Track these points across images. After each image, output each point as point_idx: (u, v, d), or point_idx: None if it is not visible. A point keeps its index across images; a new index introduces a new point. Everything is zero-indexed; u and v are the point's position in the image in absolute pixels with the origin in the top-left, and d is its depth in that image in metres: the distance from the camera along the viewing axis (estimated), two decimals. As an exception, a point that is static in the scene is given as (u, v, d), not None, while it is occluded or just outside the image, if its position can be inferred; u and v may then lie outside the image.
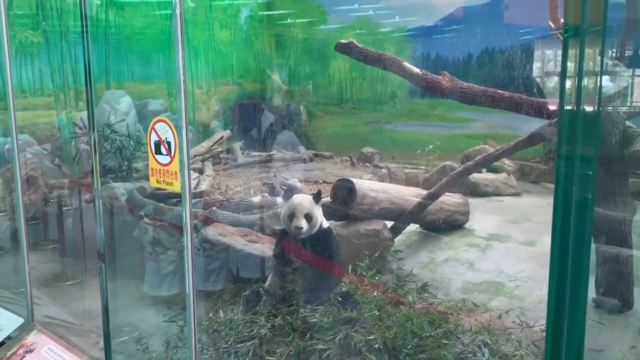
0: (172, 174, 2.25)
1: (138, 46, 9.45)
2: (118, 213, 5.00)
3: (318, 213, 3.94)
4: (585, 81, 1.59)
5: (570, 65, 1.61)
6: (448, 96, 4.43)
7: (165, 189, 5.99)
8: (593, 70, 1.59)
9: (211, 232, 4.59)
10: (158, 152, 2.29)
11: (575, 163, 1.63)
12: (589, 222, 1.66)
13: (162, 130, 2.23)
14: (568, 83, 1.63)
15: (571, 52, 1.61)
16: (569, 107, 1.63)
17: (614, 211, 3.65)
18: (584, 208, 1.66)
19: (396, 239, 5.08)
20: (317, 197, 4.00)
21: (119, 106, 7.27)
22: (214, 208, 5.03)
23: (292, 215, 3.89)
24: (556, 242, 1.70)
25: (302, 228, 3.80)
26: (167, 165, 2.26)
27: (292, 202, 3.97)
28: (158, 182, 2.31)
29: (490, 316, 3.83)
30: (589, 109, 1.62)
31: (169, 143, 2.23)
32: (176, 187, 2.23)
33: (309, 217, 3.87)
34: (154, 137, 2.27)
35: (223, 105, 10.81)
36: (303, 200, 3.96)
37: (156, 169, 2.30)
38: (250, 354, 3.39)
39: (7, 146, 6.03)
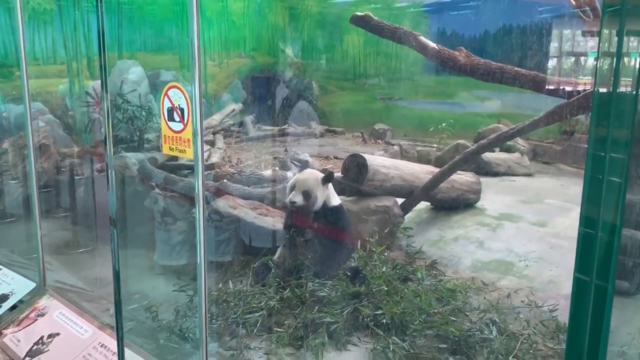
0: (184, 142, 2.24)
1: (151, 16, 9.38)
2: (129, 183, 5.02)
3: (321, 193, 3.94)
4: (621, 61, 1.53)
5: (605, 44, 1.55)
6: (464, 72, 4.36)
7: (176, 161, 6.01)
8: (628, 51, 1.53)
9: (221, 204, 4.60)
10: (171, 118, 2.28)
11: (607, 146, 1.58)
12: (620, 208, 1.62)
13: (175, 96, 2.21)
14: (602, 62, 1.57)
15: (608, 31, 1.55)
16: (602, 89, 1.57)
17: (628, 193, 3.61)
18: (615, 193, 1.61)
19: (406, 216, 5.08)
20: (327, 178, 4.01)
21: (130, 76, 7.25)
22: (225, 180, 5.03)
23: (292, 188, 3.93)
24: (583, 226, 1.66)
25: (294, 202, 3.83)
26: (180, 132, 2.25)
27: (298, 175, 4.02)
28: (171, 149, 2.30)
29: (499, 295, 3.85)
30: (623, 90, 1.56)
31: (182, 110, 2.22)
32: (189, 155, 2.22)
33: (307, 195, 3.88)
34: (167, 104, 2.25)
35: (235, 78, 10.76)
36: (309, 177, 3.99)
37: (169, 136, 2.29)
38: (258, 325, 3.44)
39: (4, 114, 6.05)
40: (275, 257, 4.13)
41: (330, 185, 4.07)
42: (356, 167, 4.74)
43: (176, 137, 2.26)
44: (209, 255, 4.21)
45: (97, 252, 4.91)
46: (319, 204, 3.93)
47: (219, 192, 4.76)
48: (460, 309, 3.58)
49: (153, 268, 4.58)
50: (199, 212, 2.27)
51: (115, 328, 3.00)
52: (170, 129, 2.32)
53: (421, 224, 5.36)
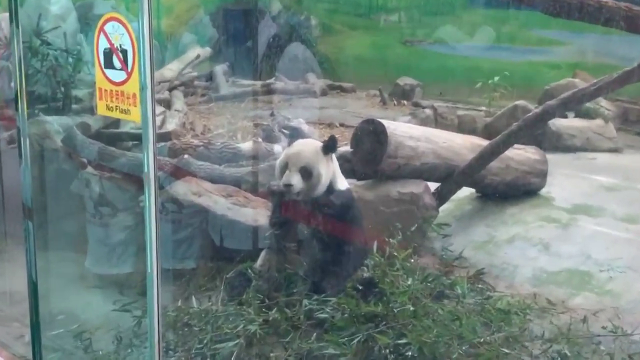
0: (128, 98, 2.21)
1: None
2: (51, 158, 5.02)
3: (325, 168, 3.92)
4: None
5: None
6: (527, 4, 4.33)
7: (116, 128, 5.98)
8: None
9: (181, 189, 4.60)
10: (109, 65, 2.25)
11: None
12: None
13: (115, 33, 2.17)
14: None
15: None
16: None
17: None
18: None
19: (442, 208, 5.04)
20: (328, 146, 3.97)
21: (52, 7, 7.21)
22: (186, 156, 5.03)
23: (284, 167, 3.90)
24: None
25: (291, 186, 3.80)
26: (121, 84, 2.22)
27: (289, 149, 3.99)
28: (109, 109, 2.28)
29: (571, 318, 3.84)
30: None
31: (124, 52, 2.18)
32: (134, 117, 2.20)
33: (306, 173, 3.85)
34: (103, 44, 2.21)
35: (201, 11, 10.69)
36: (304, 148, 3.96)
37: (106, 90, 2.26)
38: (233, 359, 3.42)
39: None
40: (257, 264, 4.09)
41: (334, 158, 4.07)
42: (372, 138, 4.70)
43: (116, 91, 2.23)
44: (164, 261, 4.19)
45: (6, 255, 4.91)
46: (323, 185, 3.92)
47: (178, 173, 4.75)
48: (517, 337, 3.56)
49: (85, 278, 4.59)
50: (150, 200, 2.26)
51: (32, 361, 3.01)
52: (108, 79, 2.28)
53: (463, 219, 5.31)
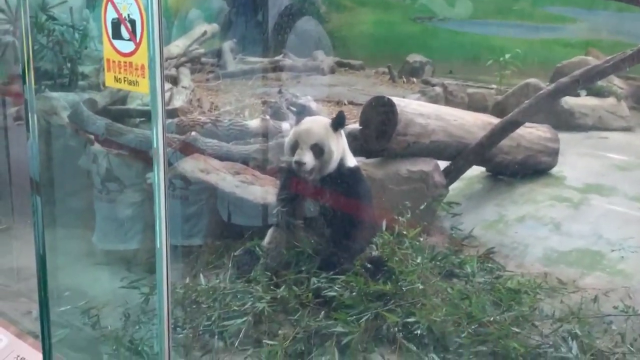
0: (137, 69, 2.19)
1: None
2: (58, 134, 5.01)
3: (335, 145, 3.95)
4: None
5: None
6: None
7: (124, 104, 5.98)
8: None
9: (189, 166, 4.61)
10: (117, 35, 2.23)
11: None
12: None
13: (123, 2, 2.14)
14: None
15: None
16: None
17: None
18: None
19: (451, 187, 5.07)
20: (337, 122, 4.00)
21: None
22: (193, 133, 5.03)
23: (295, 146, 3.92)
24: None
25: (304, 164, 3.84)
26: (130, 55, 2.20)
27: (298, 127, 4.02)
28: (117, 80, 2.26)
29: (582, 298, 3.86)
30: None
31: (132, 22, 2.16)
32: (142, 88, 2.18)
33: (318, 150, 3.88)
34: (111, 14, 2.20)
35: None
36: (314, 125, 3.99)
37: (114, 61, 2.24)
38: (241, 336, 3.46)
39: None
40: (265, 241, 4.13)
41: (343, 135, 4.08)
42: (381, 115, 4.71)
43: (125, 62, 2.22)
44: (172, 238, 4.20)
45: (13, 232, 4.93)
46: (334, 162, 3.95)
47: (186, 150, 4.76)
48: (527, 316, 3.59)
49: (93, 255, 4.61)
50: (159, 176, 2.25)
51: (41, 337, 3.03)
52: (116, 50, 2.27)
53: (473, 198, 5.36)
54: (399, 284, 3.66)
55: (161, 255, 2.26)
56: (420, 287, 3.64)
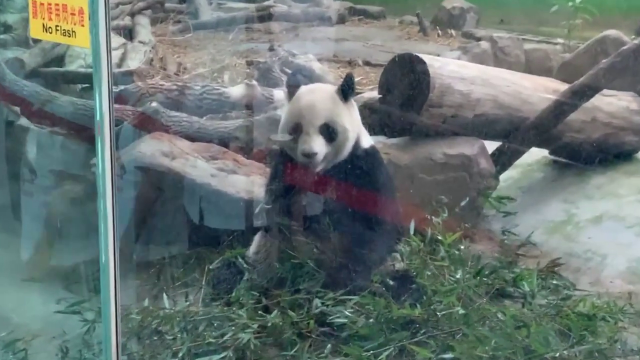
0: (73, 14, 2.16)
1: None
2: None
3: (349, 120, 3.95)
4: None
5: None
6: None
7: (60, 65, 5.94)
8: None
9: (147, 148, 4.61)
10: (46, -30, 2.19)
11: None
12: None
13: None
14: None
15: None
16: None
17: None
18: None
19: (503, 176, 5.08)
20: (346, 88, 3.99)
21: None
22: (154, 104, 5.03)
23: (297, 128, 3.91)
24: None
25: (314, 154, 3.83)
26: (63, -5, 2.17)
27: (297, 102, 3.99)
28: (46, 30, 2.23)
29: (680, 327, 3.85)
30: None
31: (67, -50, 2.14)
32: (81, 42, 2.16)
33: (330, 132, 3.88)
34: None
35: None
36: (318, 98, 3.97)
37: (42, 4, 2.21)
38: (219, 378, 3.46)
39: None
40: (251, 251, 4.14)
41: (355, 105, 4.08)
42: (408, 80, 4.70)
43: (57, 4, 2.19)
44: (125, 246, 4.20)
45: None
46: (350, 143, 3.96)
47: (144, 126, 4.78)
48: (605, 351, 3.55)
49: (19, 268, 4.61)
50: (104, 161, 2.24)
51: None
52: (44, -11, 2.25)
53: (532, 192, 5.35)
54: (432, 307, 3.63)
55: (107, 269, 2.24)
56: (461, 311, 3.60)
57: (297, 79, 4.15)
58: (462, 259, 4.06)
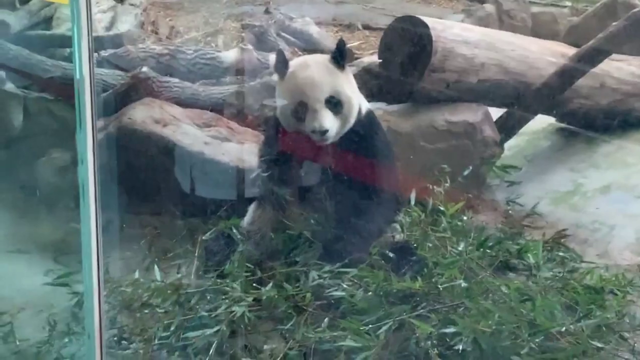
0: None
1: None
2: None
3: (350, 88, 3.98)
4: None
5: None
6: None
7: (48, 27, 5.91)
8: None
9: (138, 114, 4.62)
10: None
11: None
12: None
13: None
14: None
15: None
16: None
17: None
18: None
19: (508, 144, 5.08)
20: (338, 55, 4.00)
21: None
22: (145, 69, 5.01)
23: (302, 106, 3.90)
24: None
25: (326, 131, 3.83)
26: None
27: (294, 78, 3.98)
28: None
29: (692, 302, 3.85)
30: None
31: None
32: (62, -1, 2.14)
33: (336, 105, 3.89)
34: None
35: None
36: (317, 70, 3.97)
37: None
38: (212, 352, 3.43)
39: None
40: (245, 221, 4.15)
41: (349, 71, 4.10)
42: (409, 44, 4.71)
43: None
44: (113, 215, 4.20)
45: None
46: (354, 113, 3.96)
47: (134, 92, 4.77)
48: (612, 325, 3.56)
49: (6, 239, 4.61)
50: (85, 125, 2.19)
51: None
52: None
53: (537, 160, 5.37)
54: (434, 280, 3.63)
55: (89, 238, 2.22)
56: (464, 284, 3.60)
57: (283, 56, 4.08)
58: (464, 230, 4.07)
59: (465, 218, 4.20)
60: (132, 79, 4.85)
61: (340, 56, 3.98)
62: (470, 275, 3.71)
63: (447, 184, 4.17)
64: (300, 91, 3.91)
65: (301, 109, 3.89)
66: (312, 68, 3.99)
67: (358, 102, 4.00)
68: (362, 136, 4.00)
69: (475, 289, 3.62)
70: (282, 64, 4.02)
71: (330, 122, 3.84)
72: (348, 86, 3.97)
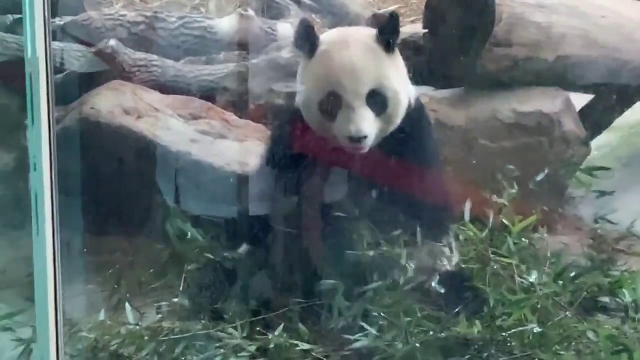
0: None
1: None
2: None
3: (398, 80, 3.97)
4: None
5: None
6: None
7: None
8: None
9: (103, 102, 4.63)
10: None
11: None
12: None
13: None
14: None
15: None
16: None
17: None
18: None
19: (595, 142, 5.09)
20: (389, 31, 3.98)
21: None
22: (112, 42, 5.02)
23: (335, 99, 3.89)
24: None
25: (365, 138, 3.81)
26: None
27: (326, 59, 3.97)
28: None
29: None
30: None
31: None
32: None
33: (380, 102, 3.89)
34: None
35: None
36: (357, 53, 3.95)
37: None
38: None
39: None
40: (245, 245, 4.17)
41: (399, 56, 4.05)
42: (464, 8, 4.73)
43: None
44: (71, 236, 4.22)
45: None
46: (402, 112, 3.94)
47: (98, 73, 4.82)
48: None
49: None
50: (38, 117, 2.22)
51: None
52: None
53: (636, 164, 5.39)
54: (497, 323, 3.62)
55: (44, 269, 2.23)
56: (537, 330, 3.59)
57: (310, 28, 4.02)
58: (537, 256, 4.06)
59: (538, 236, 4.18)
60: (95, 56, 4.87)
61: (392, 34, 3.95)
62: (546, 316, 3.69)
63: (514, 192, 4.12)
64: (334, 80, 3.89)
65: (333, 103, 3.87)
66: (353, 48, 3.96)
67: (408, 97, 4.00)
68: (412, 135, 4.00)
69: (552, 336, 3.60)
70: (310, 39, 3.98)
71: (370, 126, 3.82)
72: (395, 76, 3.96)
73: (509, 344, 3.58)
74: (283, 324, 3.68)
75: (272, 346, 3.60)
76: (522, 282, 3.82)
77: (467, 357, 3.55)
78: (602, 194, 4.80)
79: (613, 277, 4.18)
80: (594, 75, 4.96)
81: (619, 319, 3.93)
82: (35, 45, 2.14)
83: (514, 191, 4.13)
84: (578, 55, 4.88)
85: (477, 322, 3.60)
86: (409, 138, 4.00)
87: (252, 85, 4.82)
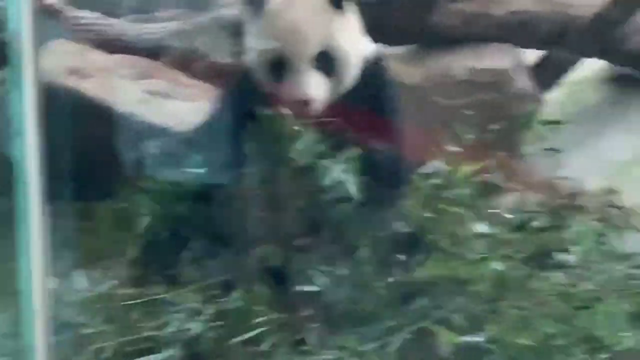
0: None
1: None
2: None
3: (349, 39, 3.98)
4: None
5: None
6: None
7: None
8: None
9: (46, 62, 4.55)
10: None
11: None
12: None
13: None
14: None
15: None
16: None
17: None
18: None
19: (549, 96, 5.24)
20: None
21: None
22: None
23: (279, 61, 3.90)
24: None
25: (312, 101, 3.83)
26: None
27: (272, 19, 3.95)
28: None
29: None
30: None
31: None
32: None
33: (328, 63, 3.90)
34: None
35: None
36: (304, 11, 3.93)
37: None
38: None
39: None
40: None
41: (350, 11, 4.05)
42: None
43: None
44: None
45: None
46: (353, 72, 3.96)
47: (36, 31, 4.75)
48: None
49: None
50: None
51: None
52: None
53: (584, 120, 5.51)
54: (452, 264, 3.63)
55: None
56: (485, 277, 3.62)
57: None
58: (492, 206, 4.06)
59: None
60: (33, 14, 4.85)
61: None
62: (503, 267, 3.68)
63: (469, 137, 4.10)
64: (279, 40, 3.89)
65: (279, 65, 3.88)
66: (300, 8, 3.94)
67: (359, 56, 4.00)
68: (368, 91, 4.01)
69: (506, 285, 3.64)
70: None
71: (317, 89, 3.85)
72: (347, 34, 3.97)
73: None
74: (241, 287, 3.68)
75: (231, 307, 3.62)
76: (470, 233, 3.81)
77: (413, 306, 3.56)
78: (552, 150, 4.89)
79: (568, 233, 4.18)
80: (545, 31, 5.02)
81: (577, 269, 3.96)
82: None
83: (469, 136, 4.10)
84: (528, 12, 4.95)
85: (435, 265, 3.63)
86: (369, 92, 4.02)
87: (203, 42, 4.81)
